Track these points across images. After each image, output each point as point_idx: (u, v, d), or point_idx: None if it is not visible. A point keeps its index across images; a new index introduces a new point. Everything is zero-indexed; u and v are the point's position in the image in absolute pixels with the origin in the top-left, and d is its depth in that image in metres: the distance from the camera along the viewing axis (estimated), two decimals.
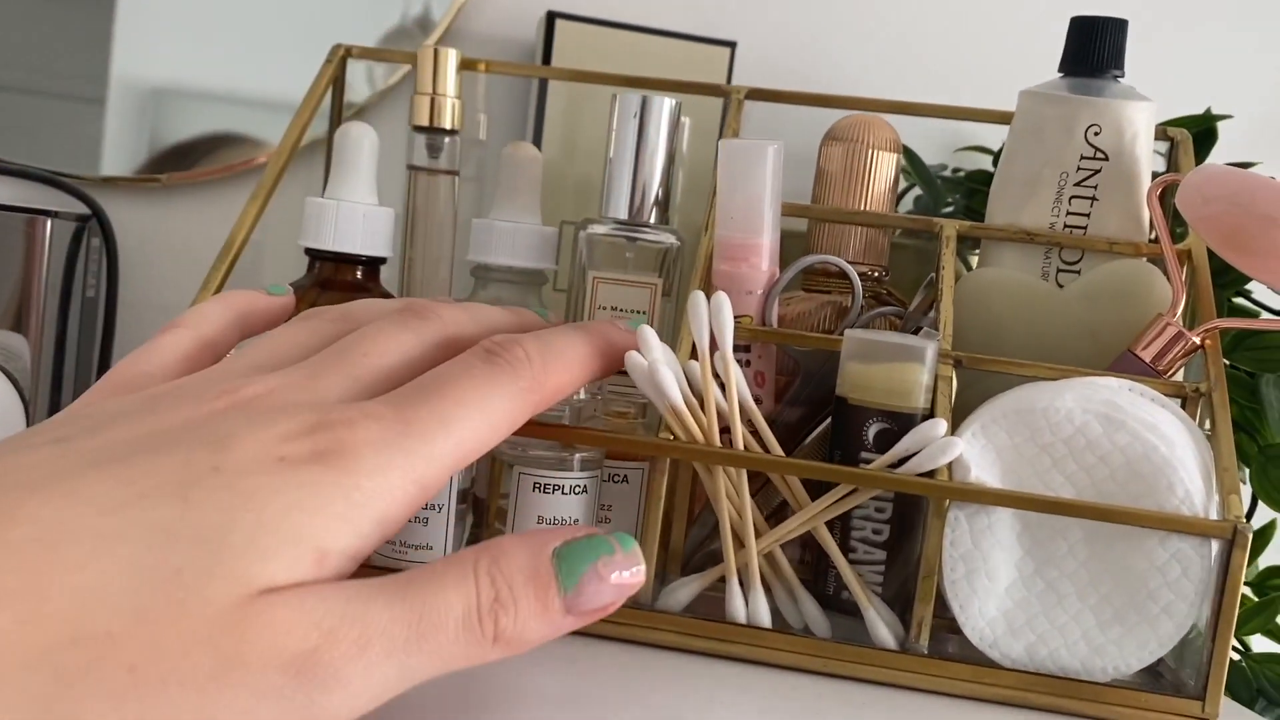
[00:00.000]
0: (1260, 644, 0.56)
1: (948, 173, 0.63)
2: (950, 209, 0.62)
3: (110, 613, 0.22)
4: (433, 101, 0.55)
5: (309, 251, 0.52)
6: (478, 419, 0.29)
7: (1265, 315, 0.52)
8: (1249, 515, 0.55)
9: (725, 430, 0.42)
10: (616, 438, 0.42)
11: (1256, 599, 0.53)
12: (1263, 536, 0.53)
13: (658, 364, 0.40)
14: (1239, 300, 0.55)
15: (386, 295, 0.53)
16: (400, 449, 0.27)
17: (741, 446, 0.41)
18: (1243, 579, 0.38)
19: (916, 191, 0.63)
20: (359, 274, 0.52)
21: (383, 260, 0.53)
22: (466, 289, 0.54)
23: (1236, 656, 0.53)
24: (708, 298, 0.41)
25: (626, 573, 0.28)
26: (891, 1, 0.71)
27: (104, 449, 0.26)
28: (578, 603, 0.27)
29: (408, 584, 0.26)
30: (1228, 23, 0.72)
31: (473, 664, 0.26)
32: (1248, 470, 0.50)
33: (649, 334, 0.41)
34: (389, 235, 0.52)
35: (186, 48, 0.68)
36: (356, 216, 0.51)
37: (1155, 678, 0.43)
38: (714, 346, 0.42)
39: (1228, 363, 0.50)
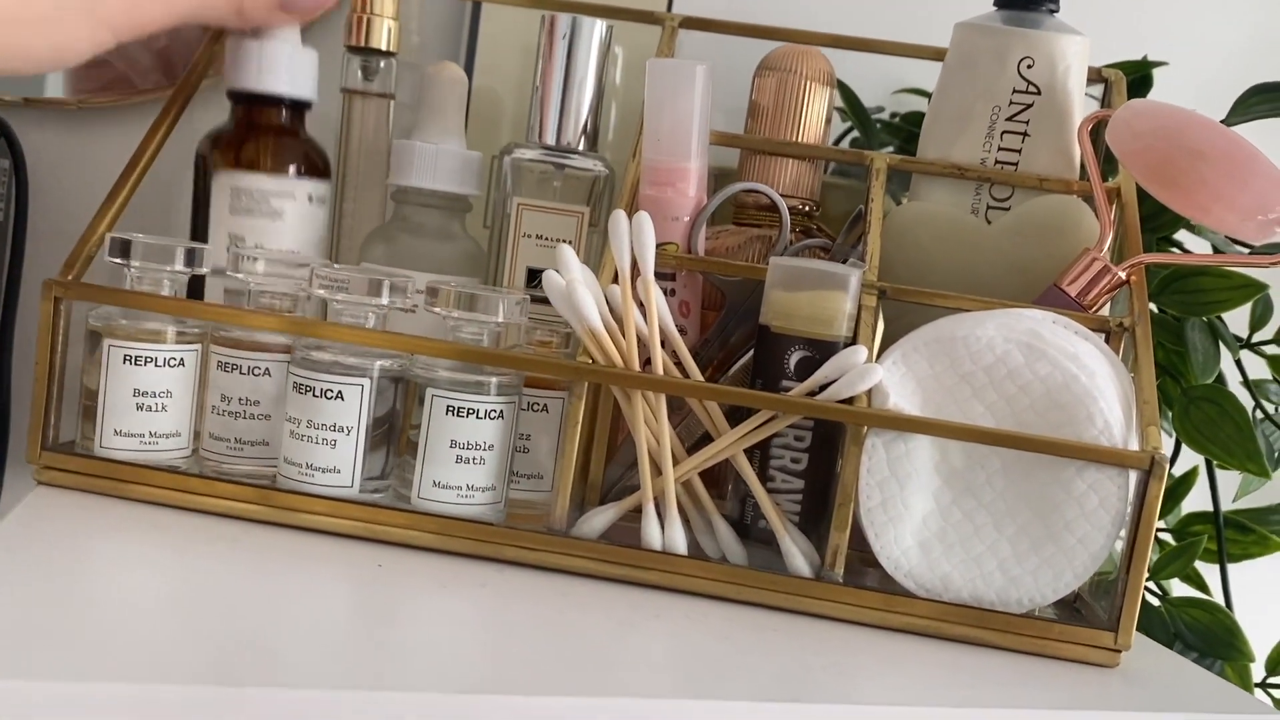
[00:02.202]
0: (1180, 589, 0.56)
1: (885, 115, 0.62)
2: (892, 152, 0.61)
3: None
4: (368, 21, 0.53)
5: (231, 94, 0.49)
6: None
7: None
8: (1172, 461, 0.55)
9: (648, 361, 0.41)
10: (533, 360, 0.41)
11: (1176, 544, 0.53)
12: (1184, 482, 0.53)
13: (575, 284, 0.39)
14: (1171, 248, 0.55)
15: (312, 143, 0.50)
16: None
17: (661, 371, 0.40)
18: (1158, 511, 0.38)
19: (855, 135, 0.62)
20: (284, 115, 0.49)
21: (308, 105, 0.50)
22: None
23: (1155, 601, 0.53)
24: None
25: None
26: None
27: None
28: (291, 2, 0.44)
29: None
30: None
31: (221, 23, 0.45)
32: (1170, 413, 0.50)
33: (568, 253, 0.40)
34: (313, 77, 0.49)
35: None
36: (280, 54, 0.48)
37: (1073, 614, 0.43)
38: (637, 272, 0.41)
39: (1155, 307, 0.50)
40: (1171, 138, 0.41)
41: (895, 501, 0.39)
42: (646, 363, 0.41)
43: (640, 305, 0.41)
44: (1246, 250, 0.51)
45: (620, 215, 0.40)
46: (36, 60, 0.38)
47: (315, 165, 0.50)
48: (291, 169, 0.49)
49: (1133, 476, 0.38)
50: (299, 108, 0.50)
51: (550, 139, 0.48)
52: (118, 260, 0.42)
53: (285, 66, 0.48)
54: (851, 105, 0.58)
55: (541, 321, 0.45)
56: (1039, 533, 0.39)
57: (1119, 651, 0.39)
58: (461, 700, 0.29)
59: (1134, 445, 0.39)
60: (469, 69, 0.61)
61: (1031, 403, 0.39)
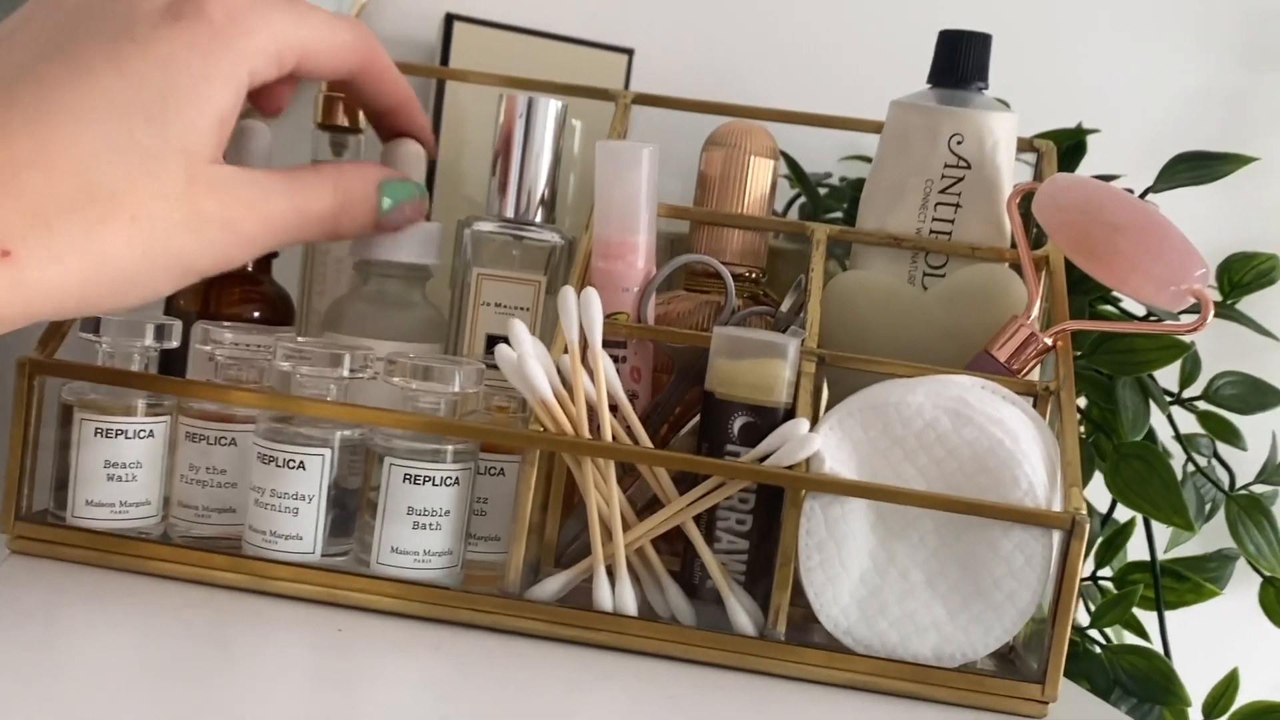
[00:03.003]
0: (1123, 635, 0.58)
1: (836, 181, 0.64)
2: (840, 216, 0.64)
3: (106, 176, 0.32)
4: (336, 101, 0.55)
5: None
6: (321, 34, 0.40)
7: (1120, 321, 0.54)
8: (1109, 513, 0.57)
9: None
10: (486, 429, 0.43)
11: (1117, 592, 0.55)
12: (1123, 533, 0.55)
13: (526, 357, 0.41)
14: (1106, 307, 0.57)
15: (278, 289, 0.53)
16: (258, 15, 0.37)
17: (610, 438, 0.42)
18: (1080, 568, 0.40)
19: (804, 201, 0.64)
20: (249, 266, 0.52)
21: (274, 254, 0.53)
22: None
23: (1097, 649, 0.55)
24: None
25: (419, 209, 0.46)
26: (791, 13, 0.73)
27: (41, 38, 0.34)
28: (387, 221, 0.44)
29: (291, 185, 0.39)
30: (1101, 41, 0.75)
31: (318, 240, 0.47)
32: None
33: (518, 327, 0.42)
34: None
35: None
36: None
37: (1007, 665, 0.45)
38: (587, 343, 0.43)
39: (1089, 366, 0.52)
40: (1090, 211, 0.44)
41: (833, 562, 0.41)
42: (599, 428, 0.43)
43: (590, 373, 0.43)
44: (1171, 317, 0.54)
45: (568, 291, 0.42)
46: (119, 308, 0.37)
47: (280, 313, 0.52)
48: (255, 316, 0.52)
49: (1056, 536, 0.40)
50: (266, 257, 0.53)
51: (509, 211, 0.50)
52: (90, 336, 0.44)
53: None
54: (797, 175, 0.61)
55: (499, 388, 0.47)
56: (969, 590, 0.41)
57: (1046, 703, 0.40)
58: None
59: (1058, 506, 0.41)
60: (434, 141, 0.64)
61: (960, 466, 0.41)
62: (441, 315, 0.51)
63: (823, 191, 0.65)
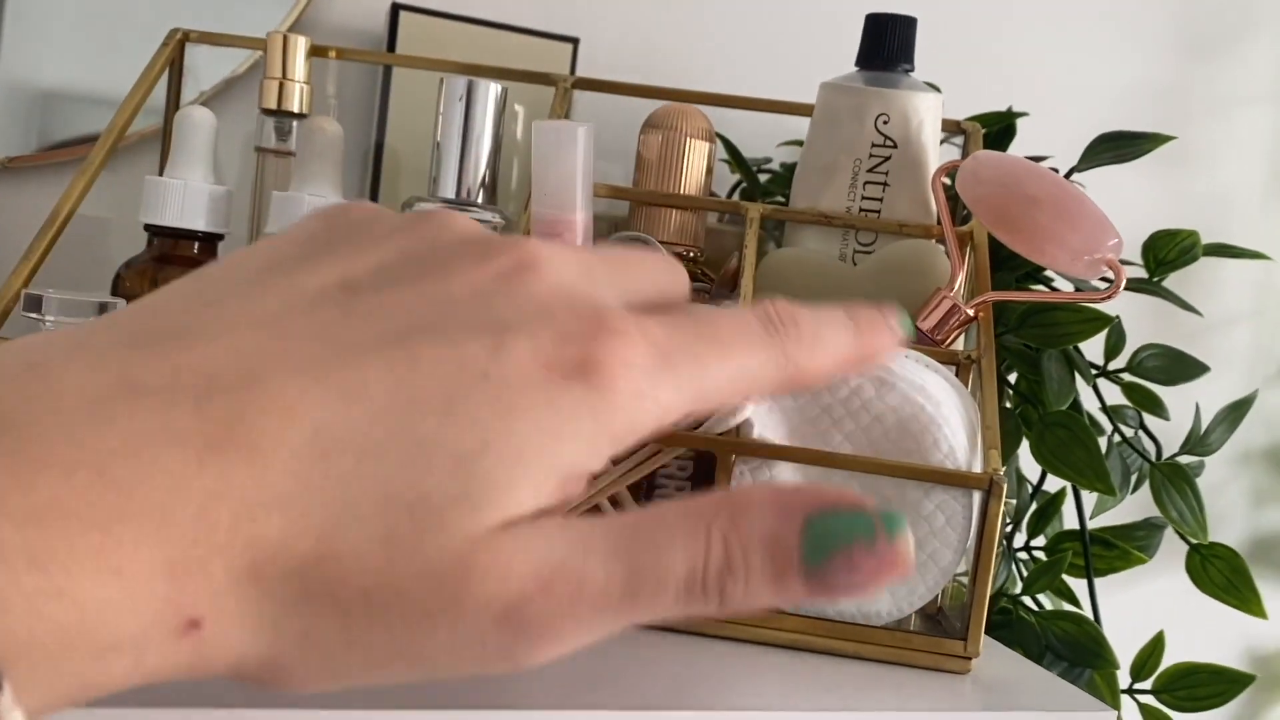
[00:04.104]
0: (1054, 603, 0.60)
1: (776, 166, 0.66)
2: (780, 201, 0.66)
3: (360, 535, 0.21)
4: (281, 86, 0.56)
5: (148, 228, 0.53)
6: (736, 377, 0.26)
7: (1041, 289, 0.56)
8: (1039, 484, 0.59)
9: None
10: None
11: (1047, 559, 0.57)
12: (1053, 504, 0.57)
13: None
14: (1037, 287, 0.59)
15: None
16: (659, 381, 0.24)
17: None
18: (999, 527, 0.41)
19: (744, 185, 0.66)
20: (196, 249, 0.53)
21: (220, 236, 0.54)
22: None
23: (1029, 616, 0.57)
24: None
25: (884, 561, 0.23)
26: (735, 3, 0.74)
27: (382, 319, 0.23)
28: (818, 583, 0.23)
29: (633, 536, 0.23)
30: (1035, 30, 0.77)
31: (684, 617, 0.24)
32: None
33: None
34: (225, 212, 0.53)
35: (72, 49, 0.68)
36: (193, 193, 0.52)
37: (935, 626, 0.46)
38: None
39: (1019, 341, 0.54)
40: (1009, 185, 0.46)
41: None
42: None
43: None
44: (1099, 287, 0.56)
45: None
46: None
47: None
48: None
49: (976, 496, 0.42)
50: (210, 239, 0.53)
51: (449, 192, 0.52)
52: (33, 315, 0.44)
53: (197, 205, 0.52)
54: (736, 159, 0.62)
55: None
56: None
57: (969, 659, 0.42)
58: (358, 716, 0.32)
59: (978, 468, 0.42)
60: (381, 129, 0.65)
61: (884, 431, 0.43)
62: None
63: (763, 178, 0.66)
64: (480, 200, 0.52)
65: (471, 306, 0.24)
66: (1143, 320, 0.61)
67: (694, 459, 0.45)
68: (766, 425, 0.43)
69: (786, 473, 0.43)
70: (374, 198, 0.62)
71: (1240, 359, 0.91)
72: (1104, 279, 0.46)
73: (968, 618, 0.42)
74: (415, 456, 0.22)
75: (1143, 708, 0.59)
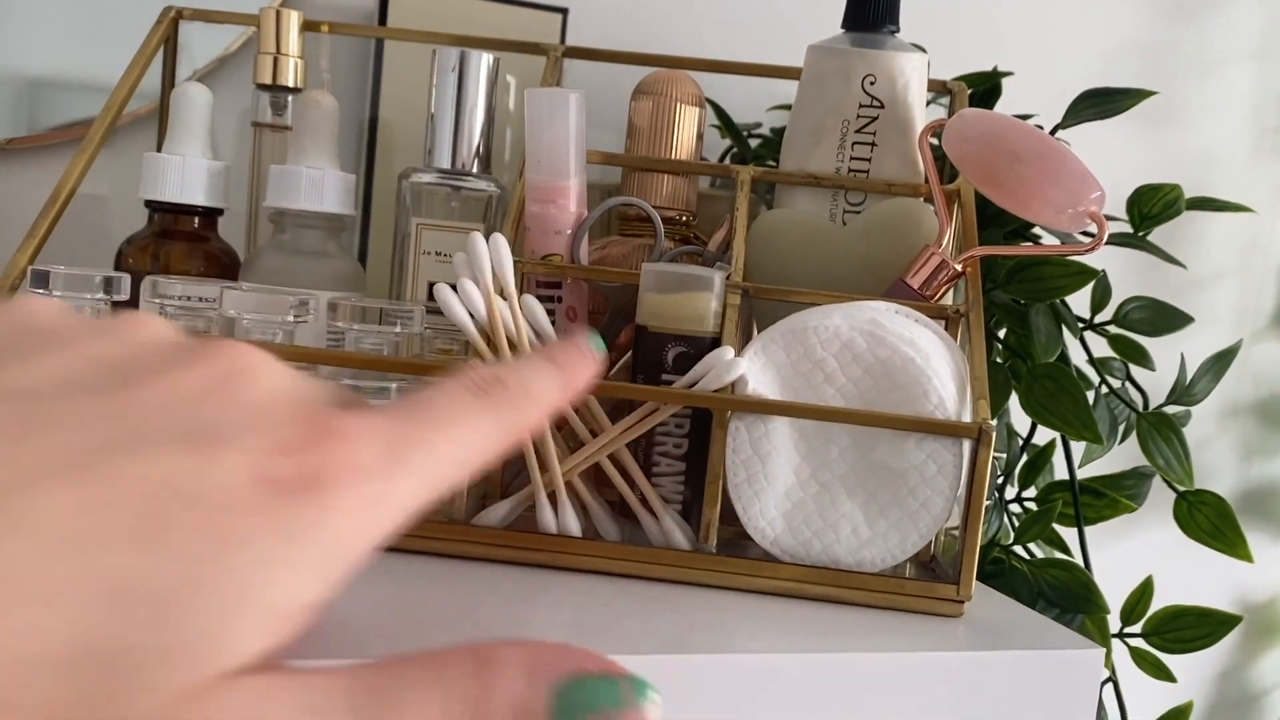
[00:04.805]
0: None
1: (766, 131, 0.67)
2: (772, 166, 0.66)
3: (53, 691, 0.18)
4: (275, 61, 0.57)
5: (148, 204, 0.54)
6: (466, 452, 0.25)
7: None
8: (1029, 437, 0.60)
9: None
10: (423, 364, 0.45)
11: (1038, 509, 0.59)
12: (1042, 456, 0.58)
13: (456, 300, 0.44)
14: (1026, 245, 0.60)
15: (225, 245, 0.55)
16: (393, 477, 0.23)
17: None
18: (988, 475, 0.43)
19: (735, 150, 0.67)
20: (196, 224, 0.54)
21: (219, 211, 0.55)
22: None
23: (1021, 565, 0.58)
24: (514, 239, 0.45)
25: None
26: None
27: (69, 433, 0.20)
28: None
29: (372, 695, 0.21)
30: None
31: None
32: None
33: (459, 264, 0.44)
34: (223, 187, 0.54)
35: (60, 35, 0.69)
36: (191, 168, 0.53)
37: (929, 573, 0.47)
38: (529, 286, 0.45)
39: (1007, 296, 0.55)
40: (993, 142, 0.46)
41: (759, 478, 0.44)
42: None
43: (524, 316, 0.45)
44: (1082, 241, 0.57)
45: (476, 237, 0.44)
46: None
47: (227, 269, 0.54)
48: (203, 272, 0.54)
49: (966, 445, 0.43)
50: (210, 214, 0.54)
51: (445, 163, 0.52)
52: (39, 291, 0.45)
53: (196, 180, 0.52)
54: (726, 124, 0.63)
55: (443, 331, 0.49)
56: (886, 499, 0.44)
57: (962, 602, 0.43)
58: None
59: (967, 417, 0.44)
60: (375, 103, 0.66)
61: (875, 383, 0.44)
62: (358, 267, 0.53)
63: (754, 143, 0.67)
64: (475, 169, 0.53)
65: (175, 417, 0.21)
66: (1128, 276, 0.62)
67: (690, 416, 0.46)
68: (761, 381, 0.44)
69: (781, 428, 0.44)
70: (369, 172, 0.63)
71: (1227, 315, 0.92)
72: (1087, 233, 0.47)
73: (959, 562, 0.43)
74: (108, 601, 0.18)
75: (1133, 651, 0.61)
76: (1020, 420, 0.60)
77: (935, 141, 0.50)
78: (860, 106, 0.51)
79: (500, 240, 0.44)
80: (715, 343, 0.45)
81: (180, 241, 0.54)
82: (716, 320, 0.46)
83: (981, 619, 0.44)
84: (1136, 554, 0.66)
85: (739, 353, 0.45)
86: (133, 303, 0.49)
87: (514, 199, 0.50)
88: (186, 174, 0.52)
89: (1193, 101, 0.86)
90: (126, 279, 0.47)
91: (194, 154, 0.53)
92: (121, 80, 0.54)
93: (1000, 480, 0.59)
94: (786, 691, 0.38)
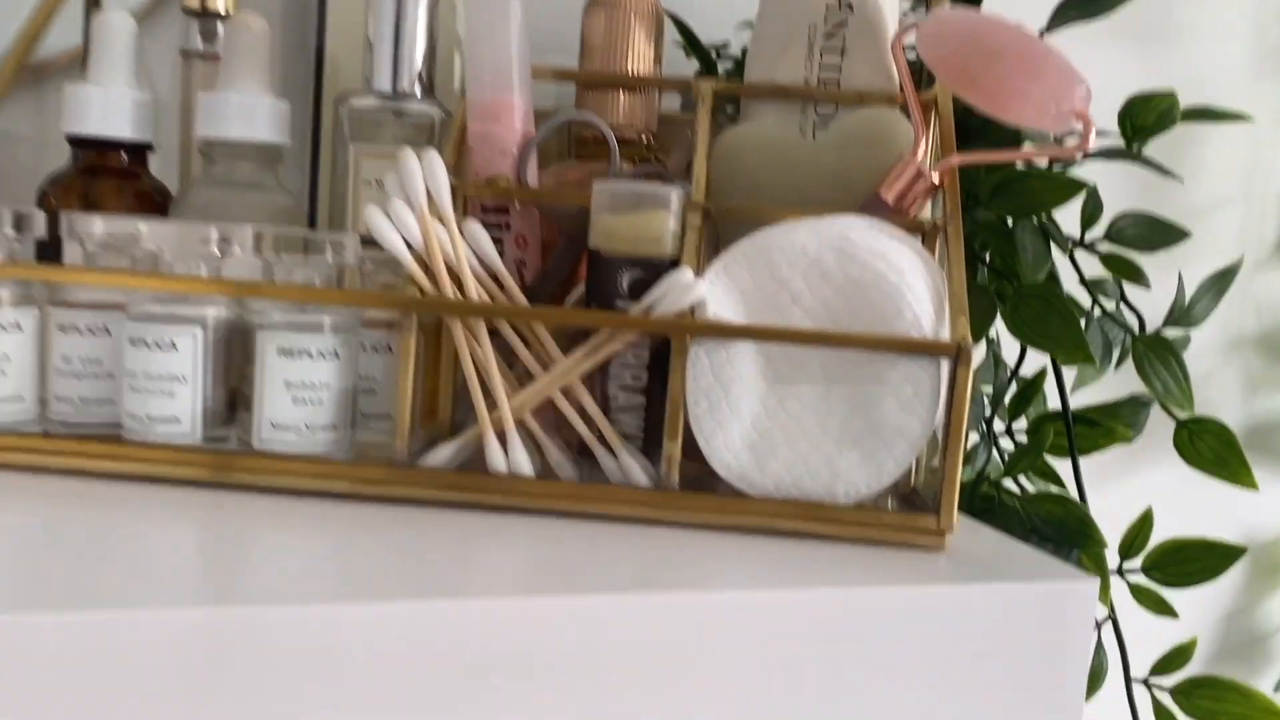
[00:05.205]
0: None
1: (736, 51, 0.63)
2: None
3: None
4: None
5: (71, 139, 0.50)
6: None
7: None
8: (1018, 365, 0.57)
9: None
10: (348, 293, 0.42)
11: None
12: (1033, 385, 0.55)
13: (381, 224, 0.40)
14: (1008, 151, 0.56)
15: (156, 183, 0.52)
16: None
17: (475, 297, 0.41)
18: (969, 396, 0.39)
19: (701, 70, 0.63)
20: (124, 160, 0.51)
21: (149, 146, 0.51)
22: None
23: (1013, 500, 0.55)
24: (456, 161, 0.41)
25: None
26: None
27: None
28: None
29: None
30: None
31: None
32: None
33: (390, 186, 0.41)
34: (151, 120, 0.51)
35: None
36: (115, 100, 0.49)
37: (911, 506, 0.44)
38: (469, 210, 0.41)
39: (992, 214, 0.52)
40: (970, 41, 0.43)
41: (721, 407, 0.41)
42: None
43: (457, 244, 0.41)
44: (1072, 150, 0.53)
45: (408, 154, 0.40)
46: None
47: (159, 207, 0.51)
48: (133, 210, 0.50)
49: (944, 365, 0.40)
50: (139, 150, 0.50)
51: (385, 86, 0.49)
52: None
53: (121, 113, 0.49)
54: (690, 42, 0.59)
55: (385, 265, 0.45)
56: (860, 426, 0.40)
57: (943, 534, 0.40)
58: (312, 611, 0.30)
59: (945, 336, 0.40)
60: (321, 30, 0.62)
61: (845, 303, 0.40)
62: (296, 200, 0.50)
63: (724, 68, 0.63)
64: (418, 94, 0.50)
65: None
66: (1122, 201, 0.59)
67: (649, 346, 0.43)
68: (722, 304, 0.41)
69: (746, 354, 0.40)
70: (317, 103, 0.59)
71: (1229, 243, 0.89)
72: (1074, 135, 0.43)
73: (938, 490, 0.40)
74: None
75: (1132, 587, 0.58)
76: (1010, 350, 0.57)
77: (910, 44, 0.47)
78: (829, 11, 0.47)
79: (434, 157, 0.40)
80: (674, 265, 0.42)
81: (109, 179, 0.50)
82: (675, 241, 0.43)
83: (966, 552, 0.41)
84: (1137, 491, 0.63)
85: (699, 275, 0.42)
86: (53, 243, 0.46)
87: (455, 119, 0.46)
88: (110, 106, 0.49)
89: (1190, 20, 0.82)
90: (39, 216, 0.44)
91: (118, 85, 0.49)
92: (36, 10, 0.51)
93: (989, 412, 0.55)
94: (755, 631, 0.35)
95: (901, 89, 0.47)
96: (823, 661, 0.36)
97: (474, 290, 0.41)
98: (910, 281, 0.40)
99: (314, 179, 0.59)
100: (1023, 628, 0.38)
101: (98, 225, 0.44)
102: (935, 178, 0.44)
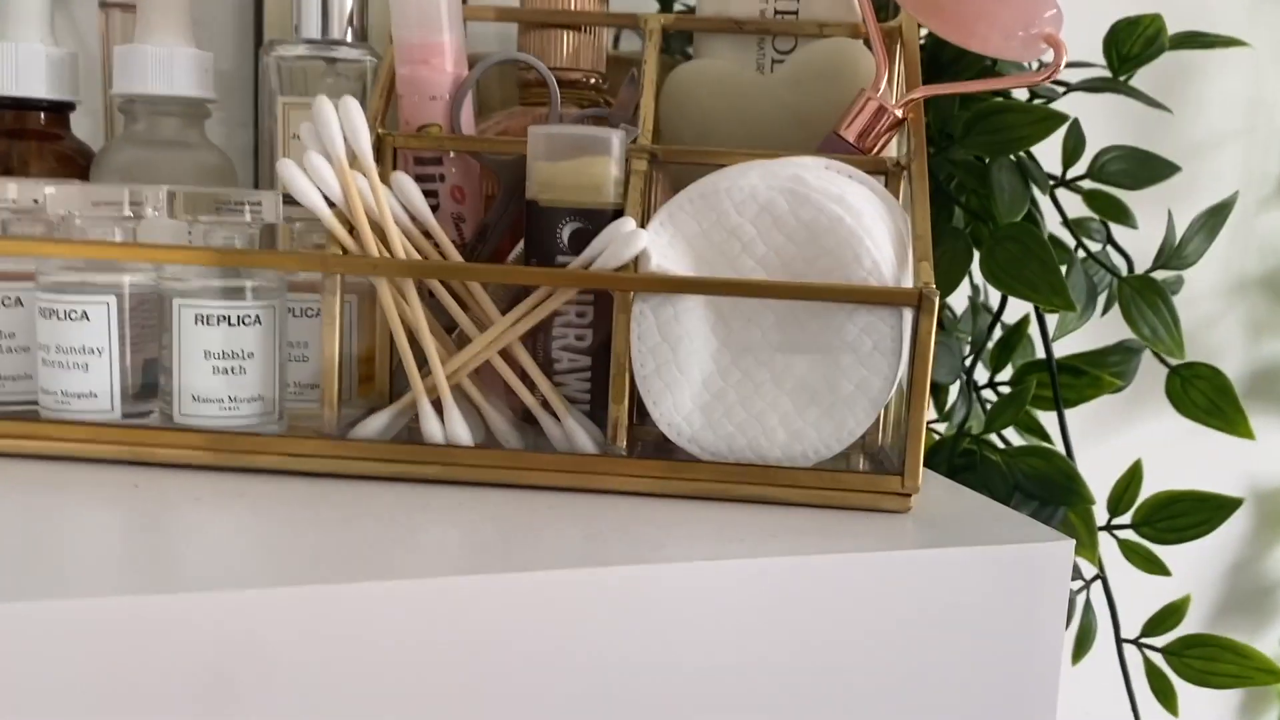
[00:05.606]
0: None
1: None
2: None
3: None
4: None
5: None
6: None
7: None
8: (998, 314, 0.54)
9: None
10: (266, 255, 0.39)
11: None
12: (1017, 332, 0.52)
13: (294, 176, 0.37)
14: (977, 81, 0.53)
15: (79, 144, 0.49)
16: None
17: (401, 253, 0.38)
18: (932, 347, 0.37)
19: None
20: (43, 120, 0.48)
21: (70, 106, 0.48)
22: None
23: (995, 455, 0.53)
24: (384, 109, 0.38)
25: None
26: None
27: None
28: None
29: None
30: None
31: None
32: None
33: (305, 135, 0.38)
34: (70, 78, 0.48)
35: None
36: (26, 56, 0.46)
37: (879, 466, 0.42)
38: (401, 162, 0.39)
39: (967, 154, 0.49)
40: None
41: (670, 367, 0.38)
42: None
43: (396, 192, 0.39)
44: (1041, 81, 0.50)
45: (322, 100, 0.37)
46: None
47: (83, 169, 0.48)
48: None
49: (906, 315, 0.37)
50: (60, 109, 0.47)
51: (314, 33, 0.46)
52: None
53: (38, 70, 0.46)
54: None
55: (316, 225, 0.43)
56: (818, 383, 0.38)
57: (908, 495, 0.38)
58: (240, 597, 0.28)
59: (908, 284, 0.37)
60: None
61: (799, 250, 0.38)
62: (226, 157, 0.47)
63: (680, 5, 0.60)
64: (350, 40, 0.46)
65: None
66: (1112, 137, 0.55)
67: (592, 302, 0.40)
68: (667, 256, 0.38)
69: (694, 309, 0.38)
70: (257, 50, 0.56)
71: (1230, 182, 0.85)
72: (1044, 63, 0.40)
73: (901, 449, 0.37)
74: None
75: (1122, 544, 0.55)
76: (993, 297, 0.54)
77: None
78: None
79: (351, 103, 0.37)
80: (617, 216, 0.39)
81: (27, 140, 0.48)
82: (618, 190, 0.40)
83: (935, 514, 0.38)
84: (1128, 444, 0.60)
85: (643, 225, 0.39)
86: None
87: (384, 65, 0.43)
88: (21, 63, 0.46)
89: None
90: None
91: (30, 42, 0.46)
92: None
93: (969, 362, 0.52)
94: (710, 604, 0.33)
95: (863, 19, 0.44)
96: (780, 633, 0.33)
97: (400, 247, 0.38)
98: (869, 225, 0.37)
99: (257, 135, 0.56)
100: (992, 593, 0.35)
101: (9, 190, 0.41)
102: (899, 112, 0.41)
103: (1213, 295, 0.84)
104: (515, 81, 0.48)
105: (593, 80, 0.47)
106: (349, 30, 0.46)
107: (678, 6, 0.59)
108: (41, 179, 0.46)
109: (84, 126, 0.50)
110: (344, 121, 0.38)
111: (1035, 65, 0.45)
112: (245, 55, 0.59)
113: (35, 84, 0.46)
